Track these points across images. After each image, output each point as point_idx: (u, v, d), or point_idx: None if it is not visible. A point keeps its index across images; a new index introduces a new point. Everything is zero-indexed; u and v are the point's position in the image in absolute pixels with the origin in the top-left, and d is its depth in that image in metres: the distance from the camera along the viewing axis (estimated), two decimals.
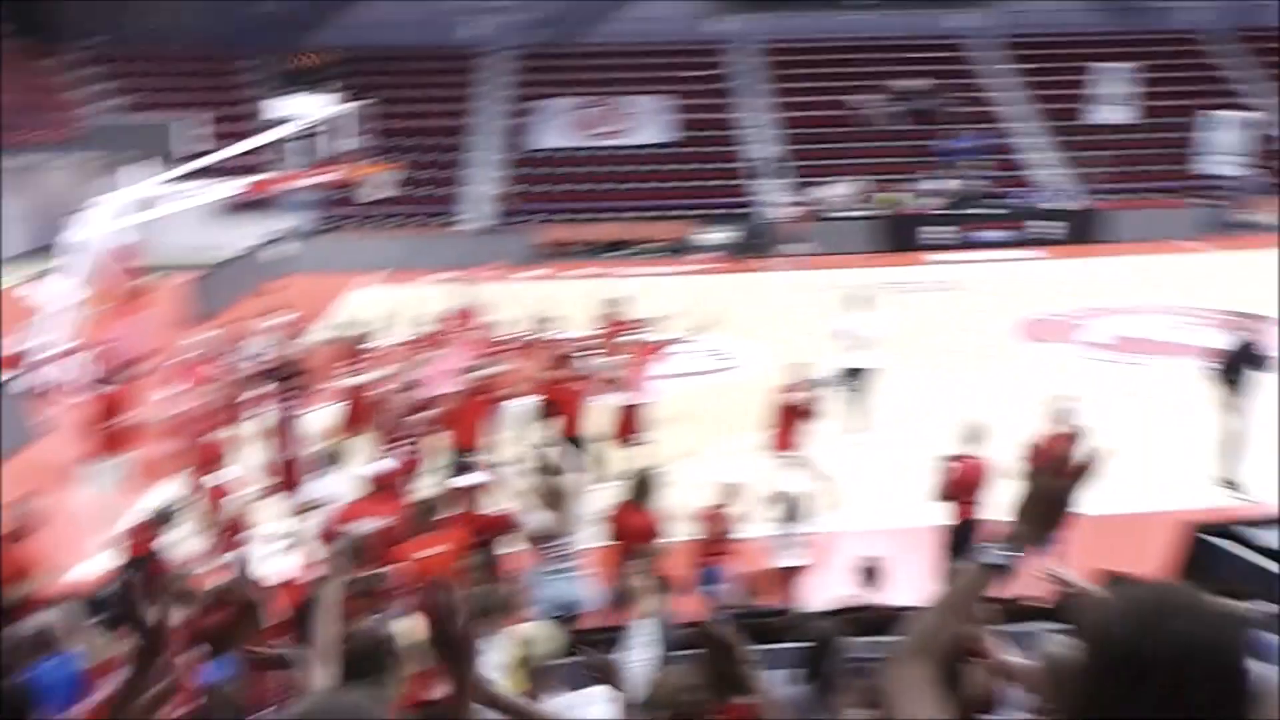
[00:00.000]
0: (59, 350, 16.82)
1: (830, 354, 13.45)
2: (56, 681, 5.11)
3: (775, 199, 29.67)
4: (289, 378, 11.50)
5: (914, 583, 9.26)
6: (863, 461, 13.09)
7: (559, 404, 11.79)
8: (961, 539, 9.25)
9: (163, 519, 8.43)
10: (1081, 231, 27.20)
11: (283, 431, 11.19)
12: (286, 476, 11.04)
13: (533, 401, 12.36)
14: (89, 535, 10.58)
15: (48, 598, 7.98)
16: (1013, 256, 26.01)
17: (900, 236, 27.12)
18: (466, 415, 11.35)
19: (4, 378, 15.35)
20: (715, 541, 9.00)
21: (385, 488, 8.70)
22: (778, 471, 11.04)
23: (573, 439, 11.43)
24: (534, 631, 5.88)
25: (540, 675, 5.21)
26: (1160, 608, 1.77)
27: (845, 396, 13.35)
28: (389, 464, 9.21)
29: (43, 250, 27.96)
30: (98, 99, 31.53)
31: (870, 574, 7.79)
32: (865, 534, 10.95)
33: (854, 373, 13.28)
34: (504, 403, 12.11)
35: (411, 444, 10.48)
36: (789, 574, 9.29)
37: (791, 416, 11.20)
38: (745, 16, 35.67)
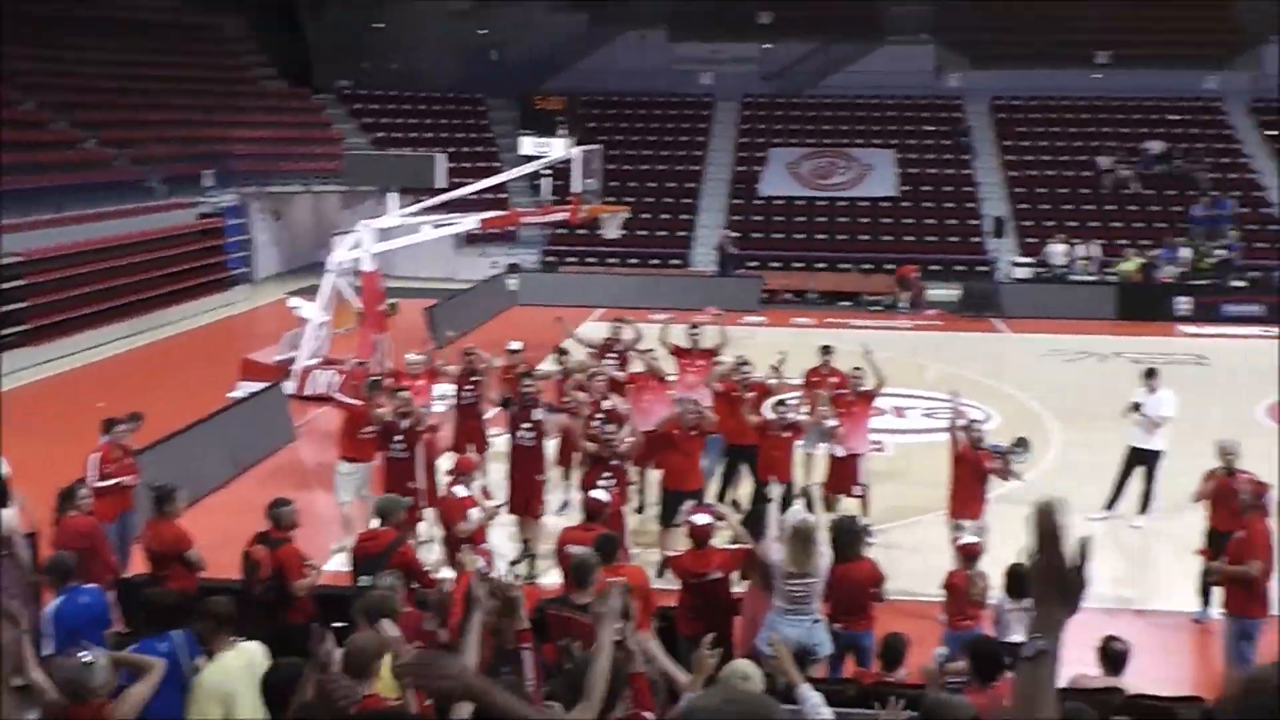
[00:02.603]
0: (317, 362, 18.07)
1: (1126, 431, 12.89)
2: None
3: (1005, 258, 29.00)
4: (522, 404, 11.86)
5: (1159, 669, 8.91)
6: (1127, 541, 12.63)
7: (767, 450, 11.74)
8: None
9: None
10: None
11: (517, 454, 11.62)
12: (518, 497, 11.46)
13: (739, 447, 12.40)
14: (332, 534, 11.26)
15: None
16: (1260, 333, 24.56)
17: (1147, 304, 25.90)
18: (681, 452, 11.45)
19: (271, 383, 16.67)
20: (965, 606, 8.79)
21: (597, 516, 8.94)
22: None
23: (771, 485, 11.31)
24: (749, 669, 5.86)
25: None
26: None
27: (1126, 476, 12.80)
28: (603, 494, 9.43)
29: (296, 271, 30.00)
30: (351, 135, 33.63)
31: (1114, 656, 7.46)
32: (1101, 614, 10.52)
33: (1142, 453, 12.69)
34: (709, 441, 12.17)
35: (621, 475, 10.73)
36: (1015, 648, 8.96)
37: (977, 481, 10.85)
38: (983, 73, 35.15)
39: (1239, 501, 9.53)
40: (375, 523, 8.81)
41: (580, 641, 6.98)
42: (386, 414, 11.37)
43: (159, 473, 10.37)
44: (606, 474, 10.50)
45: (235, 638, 6.27)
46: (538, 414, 11.65)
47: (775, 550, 8.05)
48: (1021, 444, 11.14)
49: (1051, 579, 2.32)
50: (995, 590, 9.10)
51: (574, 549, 8.49)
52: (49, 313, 21.28)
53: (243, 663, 6.11)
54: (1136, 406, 12.73)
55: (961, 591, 8.83)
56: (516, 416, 11.67)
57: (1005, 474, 11.02)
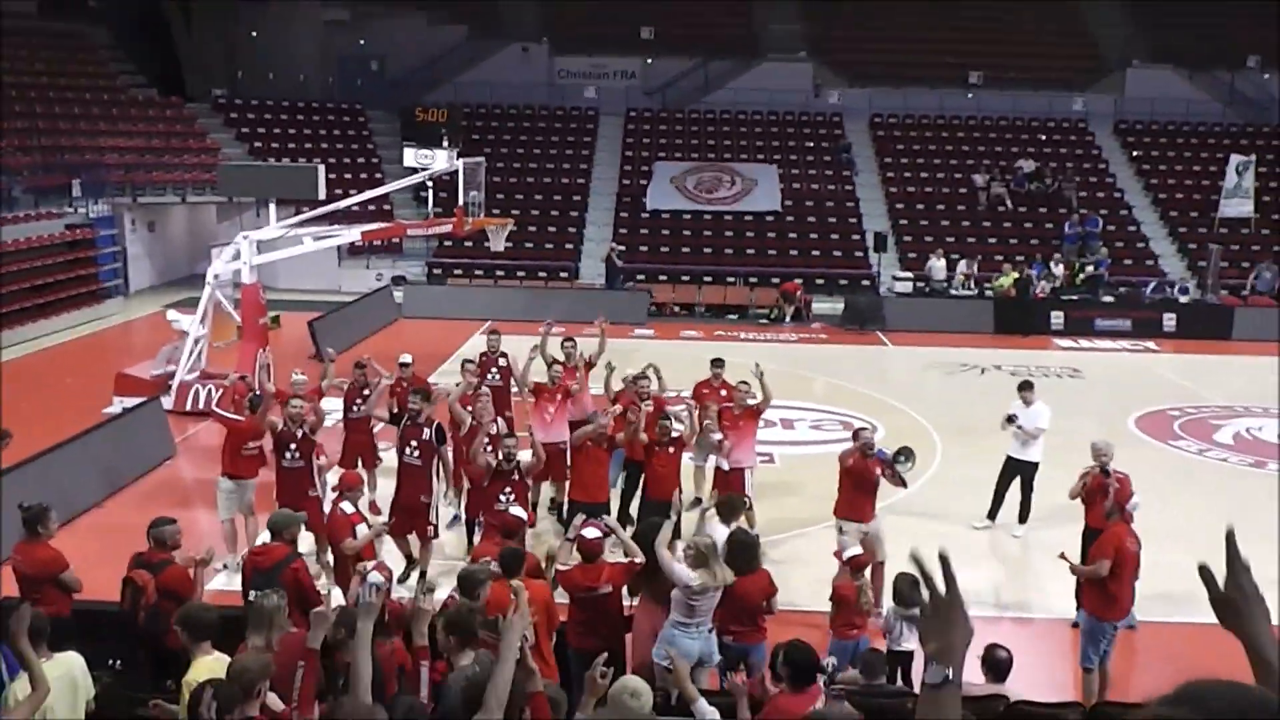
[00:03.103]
0: (195, 376, 17.55)
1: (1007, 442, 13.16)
2: None
3: (886, 272, 29.61)
4: (411, 421, 11.63)
5: (1040, 675, 9.15)
6: (1008, 550, 12.94)
7: (654, 466, 11.71)
8: None
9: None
10: (1198, 326, 26.52)
11: (402, 473, 11.41)
12: (401, 517, 11.23)
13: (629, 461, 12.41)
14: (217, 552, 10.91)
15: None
16: (1129, 346, 25.53)
17: (1023, 319, 26.63)
18: (591, 463, 11.47)
19: (148, 398, 16.12)
20: (852, 616, 8.91)
21: (514, 534, 8.83)
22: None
23: (661, 501, 11.31)
24: (639, 686, 5.86)
25: None
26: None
27: (1005, 487, 13.12)
28: (521, 512, 9.36)
29: (172, 284, 29.20)
30: (227, 144, 32.83)
31: (996, 664, 7.63)
32: (984, 622, 10.80)
33: (1019, 464, 13.02)
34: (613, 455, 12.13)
35: (521, 490, 10.63)
36: (905, 657, 9.13)
37: (866, 488, 11.02)
38: (860, 91, 36.00)
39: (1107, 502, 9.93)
40: (266, 537, 8.59)
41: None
42: (278, 423, 11.21)
43: (30, 492, 9.92)
44: (506, 489, 10.41)
45: (50, 649, 6.18)
46: (426, 434, 11.45)
47: (680, 569, 8.03)
48: (905, 453, 11.32)
49: (946, 618, 2.34)
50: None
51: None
52: None
53: (59, 674, 5.98)
54: (1011, 419, 13.05)
55: (850, 602, 8.97)
56: (405, 434, 11.46)
57: (894, 480, 11.21)
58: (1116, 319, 26.74)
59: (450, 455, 12.01)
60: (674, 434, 11.80)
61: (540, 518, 12.76)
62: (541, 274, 30.20)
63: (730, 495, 10.30)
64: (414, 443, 11.30)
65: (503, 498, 10.25)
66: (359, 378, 13.01)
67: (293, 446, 11.10)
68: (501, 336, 14.71)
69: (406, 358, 13.73)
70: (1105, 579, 8.97)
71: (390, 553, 11.05)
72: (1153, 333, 26.35)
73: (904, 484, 11.42)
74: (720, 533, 9.20)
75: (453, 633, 6.46)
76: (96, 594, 8.45)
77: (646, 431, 11.76)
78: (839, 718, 5.69)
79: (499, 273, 29.65)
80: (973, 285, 28.60)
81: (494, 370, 14.09)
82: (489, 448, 10.93)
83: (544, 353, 13.73)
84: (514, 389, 14.11)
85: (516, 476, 10.54)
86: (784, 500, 13.70)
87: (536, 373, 13.33)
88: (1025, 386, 13.41)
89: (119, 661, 8.22)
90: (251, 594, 8.06)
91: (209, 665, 6.18)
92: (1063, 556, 9.40)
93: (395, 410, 12.93)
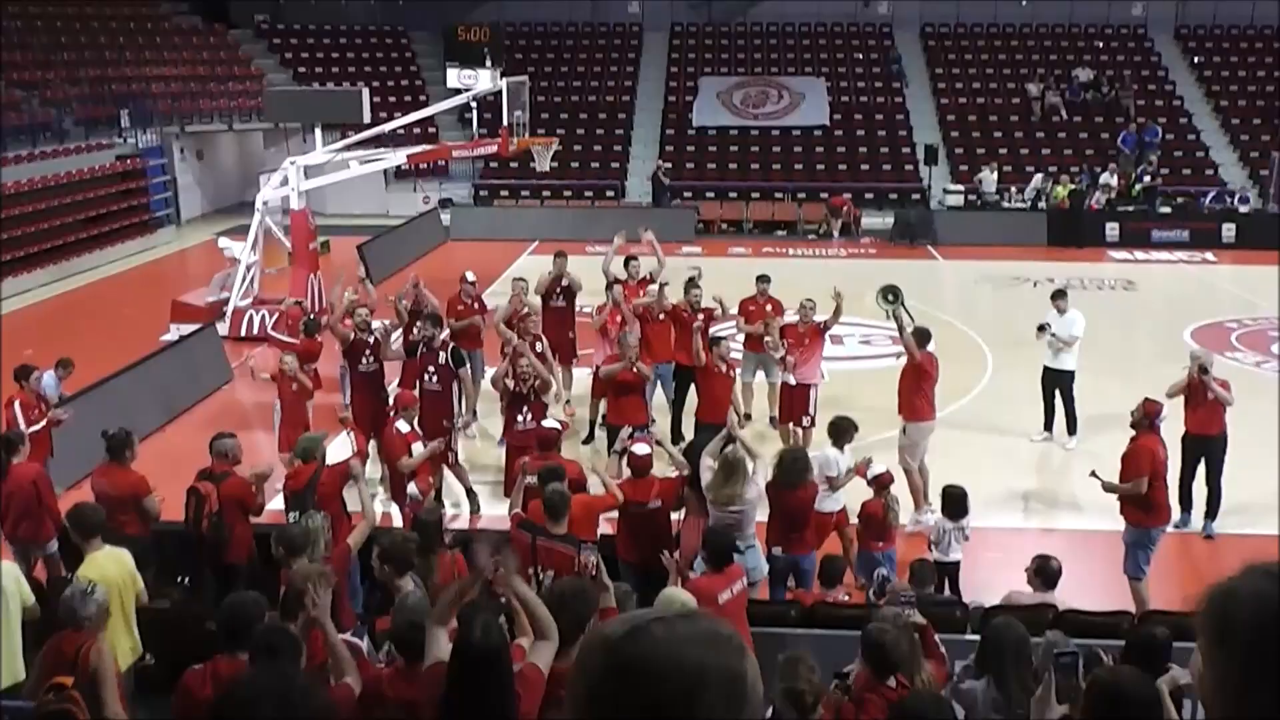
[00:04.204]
0: (249, 302, 17.78)
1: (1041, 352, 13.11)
2: None
3: (937, 185, 29.19)
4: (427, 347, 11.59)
5: (1090, 586, 9.17)
6: (1054, 461, 12.92)
7: (710, 389, 11.76)
8: None
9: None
10: (1258, 236, 25.90)
11: (423, 399, 11.42)
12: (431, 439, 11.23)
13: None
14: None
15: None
16: (1186, 258, 25.07)
17: (1077, 231, 26.14)
18: (616, 393, 11.58)
19: (203, 325, 16.39)
20: (880, 528, 9.03)
21: (550, 446, 9.07)
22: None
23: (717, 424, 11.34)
24: (687, 598, 5.98)
25: None
26: None
27: (1050, 397, 13.08)
28: (552, 422, 9.52)
29: (222, 211, 29.44)
30: (271, 70, 32.81)
31: (1046, 574, 7.67)
32: (1039, 534, 10.83)
33: (1055, 374, 12.97)
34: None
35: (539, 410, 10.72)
36: (952, 567, 9.20)
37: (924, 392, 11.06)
38: (910, 1, 35.20)
39: (1210, 399, 10.49)
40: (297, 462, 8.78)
41: (554, 570, 7.05)
42: (350, 334, 11.55)
43: (94, 420, 10.18)
44: (524, 409, 10.53)
45: None
46: (442, 358, 11.16)
47: (705, 477, 8.20)
48: (887, 290, 11.27)
49: None
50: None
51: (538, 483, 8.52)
52: None
53: None
54: (1044, 328, 12.92)
55: (878, 519, 9.16)
56: (422, 360, 11.21)
57: (901, 338, 11.29)
58: (1174, 230, 26.19)
59: (469, 376, 11.85)
60: (729, 357, 11.81)
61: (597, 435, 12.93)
62: (588, 193, 30.09)
63: (839, 418, 10.16)
64: (431, 368, 11.09)
65: (520, 418, 10.47)
66: (414, 296, 13.01)
67: (367, 353, 11.53)
68: (568, 258, 14.47)
69: (471, 275, 13.76)
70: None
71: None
72: (1211, 243, 25.82)
73: (899, 327, 11.39)
74: (833, 456, 9.44)
75: (388, 561, 6.51)
76: (162, 516, 8.68)
77: (705, 351, 11.72)
78: (892, 616, 5.80)
79: (545, 193, 29.57)
80: (1027, 197, 27.98)
81: (558, 292, 14.02)
82: (509, 372, 11.00)
83: (608, 270, 13.74)
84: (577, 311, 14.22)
85: (533, 398, 10.65)
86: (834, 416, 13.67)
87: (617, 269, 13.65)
88: (1058, 295, 13.31)
89: (188, 578, 8.51)
90: (290, 516, 8.30)
91: (99, 560, 6.58)
92: (1094, 474, 9.36)
93: (414, 342, 12.88)
